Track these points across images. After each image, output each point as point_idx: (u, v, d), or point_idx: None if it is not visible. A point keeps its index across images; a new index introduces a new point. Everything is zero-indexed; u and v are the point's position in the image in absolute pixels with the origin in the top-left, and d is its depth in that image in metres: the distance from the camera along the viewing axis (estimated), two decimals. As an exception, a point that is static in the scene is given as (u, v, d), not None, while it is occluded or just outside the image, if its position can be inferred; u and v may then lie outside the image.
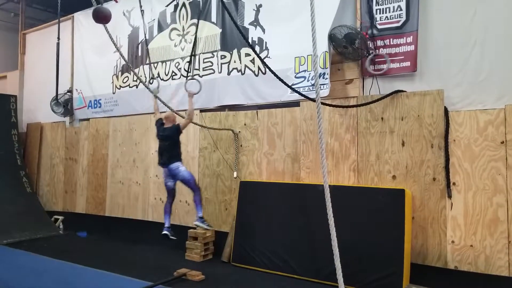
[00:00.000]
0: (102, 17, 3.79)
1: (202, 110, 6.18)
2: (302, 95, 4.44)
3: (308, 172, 5.02)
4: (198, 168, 6.07)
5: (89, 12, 7.97)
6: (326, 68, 4.78)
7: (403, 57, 4.45)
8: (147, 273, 4.80)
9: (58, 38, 7.75)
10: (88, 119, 7.69)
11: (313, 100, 4.48)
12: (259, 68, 5.60)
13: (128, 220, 6.77)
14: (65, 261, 5.45)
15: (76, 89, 7.93)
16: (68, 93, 7.91)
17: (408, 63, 4.41)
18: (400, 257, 3.93)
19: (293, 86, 5.32)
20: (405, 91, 4.39)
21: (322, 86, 4.77)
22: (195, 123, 5.82)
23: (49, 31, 8.60)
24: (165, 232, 5.28)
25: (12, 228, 6.87)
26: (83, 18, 8.02)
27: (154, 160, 6.61)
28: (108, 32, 4.43)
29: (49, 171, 8.20)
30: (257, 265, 4.96)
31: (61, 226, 7.44)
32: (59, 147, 8.08)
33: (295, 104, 5.27)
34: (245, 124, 5.69)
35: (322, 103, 4.46)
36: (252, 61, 5.69)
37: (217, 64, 6.05)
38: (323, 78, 4.88)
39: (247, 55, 5.74)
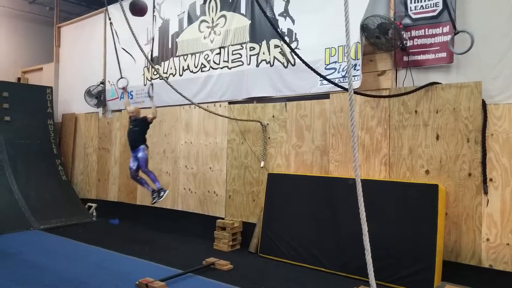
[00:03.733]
0: (138, 10, 3.84)
1: (230, 102, 6.21)
2: (336, 84, 4.35)
3: (337, 165, 4.96)
4: (226, 160, 6.13)
5: (122, 4, 8.13)
6: (357, 59, 4.69)
7: (438, 47, 4.30)
8: (177, 261, 4.93)
9: (109, 18, 7.69)
10: (120, 110, 7.89)
11: (346, 89, 4.41)
12: (288, 60, 5.56)
13: (158, 209, 6.92)
14: (99, 247, 5.68)
15: (109, 81, 8.14)
16: (101, 85, 8.13)
17: (444, 54, 4.26)
18: (432, 254, 3.84)
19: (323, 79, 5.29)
20: (440, 83, 4.25)
21: (353, 77, 4.68)
22: (222, 115, 5.87)
23: (83, 24, 8.86)
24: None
25: (49, 214, 7.19)
26: (116, 10, 8.15)
27: (183, 151, 6.74)
28: (130, 28, 4.44)
29: (83, 160, 8.50)
30: (284, 256, 4.99)
31: (94, 213, 7.72)
32: (92, 137, 8.35)
33: (325, 96, 5.20)
34: (273, 116, 5.68)
35: (355, 93, 4.38)
36: (281, 52, 5.65)
37: (246, 56, 6.05)
38: (355, 69, 4.79)
39: (276, 46, 5.70)
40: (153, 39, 7.42)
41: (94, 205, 7.90)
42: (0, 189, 7.02)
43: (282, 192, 5.28)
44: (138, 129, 5.90)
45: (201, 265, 4.70)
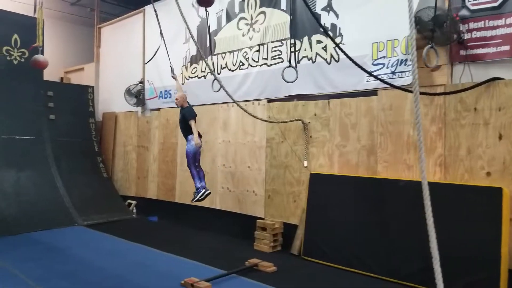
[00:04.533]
0: (205, 0, 3.92)
1: (269, 100, 6.09)
2: (383, 81, 4.15)
3: (386, 166, 4.73)
4: (265, 159, 6.02)
5: (160, 4, 8.21)
6: (409, 54, 4.44)
7: (501, 40, 3.98)
8: (218, 260, 4.88)
9: (156, 12, 7.68)
10: (158, 109, 7.96)
11: (398, 87, 4.19)
12: (331, 56, 5.37)
13: (196, 207, 6.92)
14: (140, 244, 5.73)
15: (148, 80, 8.22)
16: (140, 84, 8.23)
17: (507, 47, 3.93)
18: (496, 262, 3.56)
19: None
20: (503, 79, 3.94)
21: (404, 73, 4.45)
22: (259, 118, 5.60)
23: (122, 24, 9.00)
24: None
25: (91, 210, 7.37)
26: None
27: (221, 149, 6.69)
28: (184, 19, 4.40)
29: (123, 157, 8.65)
30: (329, 260, 4.82)
31: (134, 210, 7.84)
32: (131, 135, 8.48)
33: (372, 93, 4.97)
34: (315, 115, 5.51)
35: (405, 90, 4.15)
36: (324, 48, 5.46)
37: (286, 52, 5.90)
38: (405, 64, 4.56)
39: (319, 42, 5.52)
40: (191, 37, 7.39)
41: (134, 202, 8.02)
42: (46, 186, 7.25)
43: (325, 193, 5.11)
44: (182, 119, 5.78)
45: (244, 265, 4.62)
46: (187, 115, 5.67)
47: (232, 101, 5.43)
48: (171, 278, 4.30)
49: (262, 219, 5.77)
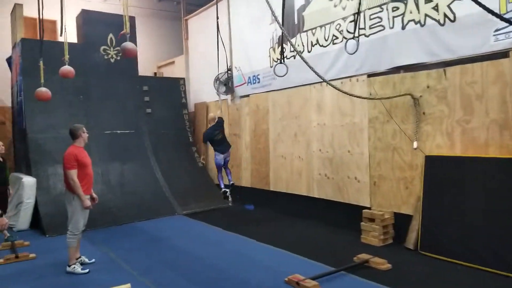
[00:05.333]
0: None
1: (370, 75, 5.42)
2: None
3: (528, 142, 3.81)
4: (368, 142, 5.38)
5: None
6: None
7: None
8: (323, 255, 4.48)
9: (217, 18, 7.82)
10: (248, 96, 7.75)
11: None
12: (445, 16, 4.50)
13: (293, 195, 6.59)
14: (238, 234, 5.58)
15: (236, 67, 8.06)
16: (228, 72, 8.09)
17: None
18: None
19: (499, 32, 4.13)
20: None
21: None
22: (360, 97, 4.99)
23: (207, 14, 8.93)
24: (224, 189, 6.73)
25: (190, 199, 7.51)
26: (237, -5, 8.03)
27: (316, 133, 6.21)
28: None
29: (216, 147, 8.66)
30: (452, 256, 4.11)
31: (230, 199, 7.79)
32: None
33: (502, 55, 4.04)
34: (428, 87, 4.71)
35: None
36: (435, 8, 4.61)
37: (388, 18, 5.15)
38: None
39: (428, 1, 4.68)
40: (274, 17, 6.98)
41: (229, 190, 7.97)
42: (147, 177, 7.57)
43: (446, 178, 4.35)
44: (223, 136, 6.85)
45: (353, 262, 4.14)
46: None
47: (326, 80, 4.91)
48: (274, 273, 4.02)
49: (368, 208, 5.18)
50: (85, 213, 4.37)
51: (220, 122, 6.69)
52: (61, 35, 5.59)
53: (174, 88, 9.03)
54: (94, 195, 4.52)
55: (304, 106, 6.48)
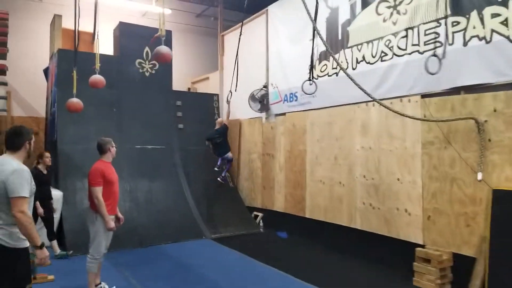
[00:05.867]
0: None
1: (424, 95, 4.88)
2: None
3: None
4: (421, 169, 4.80)
5: (283, 2, 7.66)
6: None
7: None
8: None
9: (240, 34, 7.45)
10: (284, 114, 7.34)
11: None
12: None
13: (332, 224, 6.02)
14: (273, 267, 5.06)
15: (272, 84, 7.70)
16: (264, 89, 7.75)
17: None
18: None
19: None
20: None
21: None
22: (411, 117, 4.46)
23: (244, 29, 8.64)
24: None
25: (218, 222, 7.09)
26: (277, 9, 7.74)
27: (360, 157, 5.68)
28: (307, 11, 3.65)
29: (248, 166, 8.26)
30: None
31: (261, 224, 7.31)
32: (256, 143, 8.04)
33: None
34: (495, 110, 4.12)
35: None
36: (505, 22, 4.08)
37: (445, 34, 4.63)
38: None
39: (495, 15, 4.15)
40: (316, 31, 6.58)
41: (260, 214, 7.51)
42: (175, 195, 7.23)
43: (520, 217, 3.71)
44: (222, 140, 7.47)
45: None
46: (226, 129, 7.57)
47: (372, 99, 4.38)
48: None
49: (421, 246, 4.56)
50: (109, 235, 4.03)
51: (223, 128, 7.43)
52: (92, 43, 5.48)
53: (208, 104, 8.78)
54: (120, 215, 4.18)
55: (346, 127, 5.98)
